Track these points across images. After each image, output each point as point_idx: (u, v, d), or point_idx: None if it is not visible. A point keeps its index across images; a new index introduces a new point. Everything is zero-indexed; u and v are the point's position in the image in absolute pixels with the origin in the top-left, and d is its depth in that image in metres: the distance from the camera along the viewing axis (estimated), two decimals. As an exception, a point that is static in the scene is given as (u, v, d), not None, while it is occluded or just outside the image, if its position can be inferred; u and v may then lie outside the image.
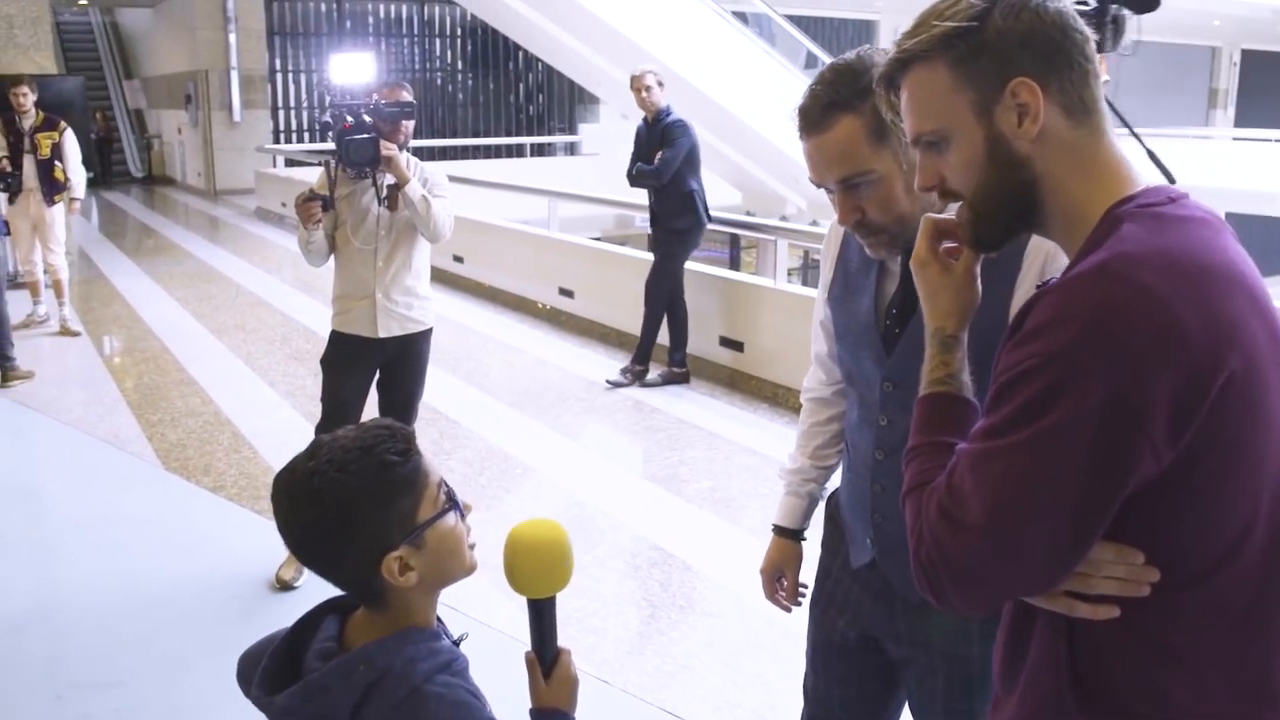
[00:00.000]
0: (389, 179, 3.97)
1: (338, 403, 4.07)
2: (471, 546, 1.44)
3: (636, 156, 6.65)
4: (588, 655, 3.50)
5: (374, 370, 4.16)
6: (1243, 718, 1.20)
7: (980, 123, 1.22)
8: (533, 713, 1.48)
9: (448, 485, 1.42)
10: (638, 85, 6.49)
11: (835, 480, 2.10)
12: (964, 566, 1.17)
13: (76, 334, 8.10)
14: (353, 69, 4.14)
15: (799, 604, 2.15)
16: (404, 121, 4.04)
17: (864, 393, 1.86)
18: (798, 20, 14.54)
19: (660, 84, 6.53)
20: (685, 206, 6.59)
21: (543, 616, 1.45)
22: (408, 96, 4.15)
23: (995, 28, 1.20)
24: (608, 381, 6.78)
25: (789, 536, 2.13)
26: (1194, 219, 1.17)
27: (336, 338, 4.12)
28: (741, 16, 12.97)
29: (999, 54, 1.20)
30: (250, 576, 4.00)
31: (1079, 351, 1.09)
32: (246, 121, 19.80)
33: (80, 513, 4.69)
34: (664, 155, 6.43)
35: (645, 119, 6.63)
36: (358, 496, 1.32)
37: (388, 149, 3.89)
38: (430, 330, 4.22)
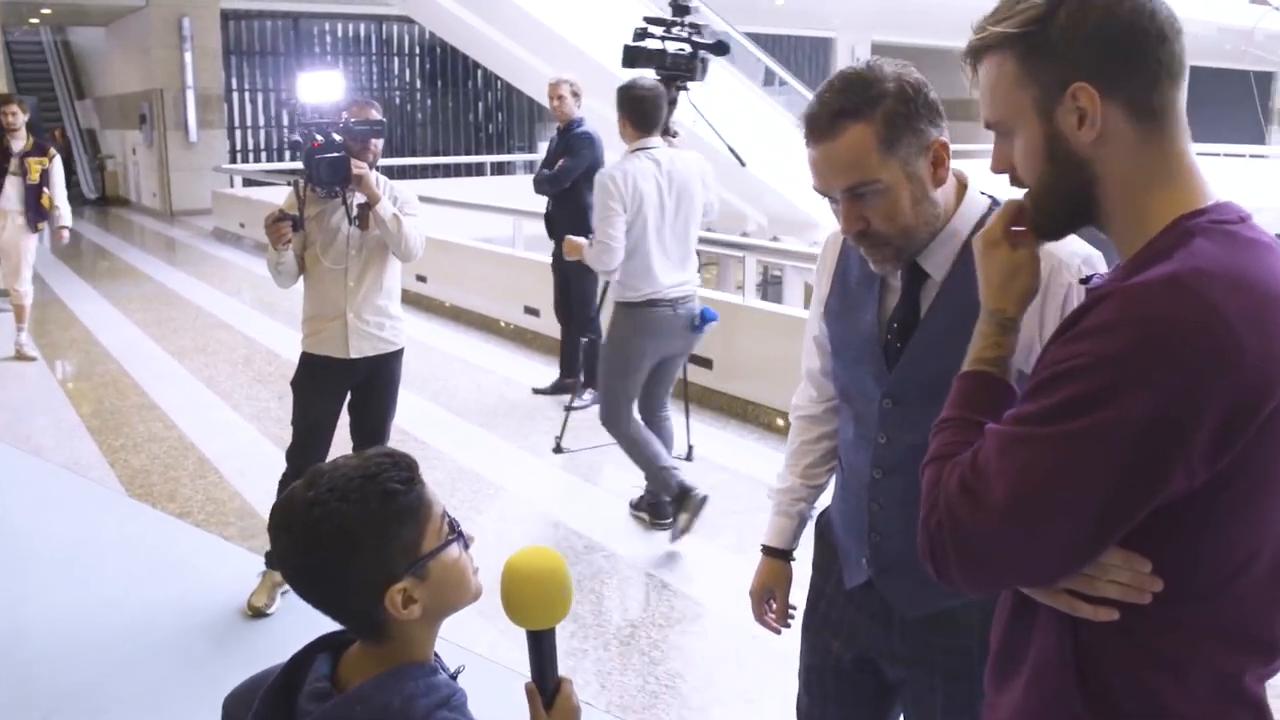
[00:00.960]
0: (359, 198, 3.93)
1: (309, 425, 4.02)
2: (476, 571, 1.40)
3: (544, 164, 6.61)
4: (570, 676, 3.45)
5: (346, 392, 4.10)
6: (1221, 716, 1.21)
7: (1041, 120, 1.21)
8: None
9: (450, 515, 1.38)
10: (553, 93, 6.43)
11: (824, 499, 2.07)
12: (975, 544, 1.17)
13: (32, 359, 7.94)
14: (321, 87, 4.09)
15: (788, 625, 2.11)
16: (374, 140, 4.01)
17: (860, 410, 1.84)
18: (754, 38, 14.59)
19: (575, 94, 6.45)
20: (579, 221, 6.35)
21: (542, 647, 1.42)
22: (377, 115, 4.11)
23: (1059, 28, 1.18)
24: (567, 407, 6.69)
25: (779, 557, 2.09)
26: (1262, 243, 1.16)
27: (307, 359, 4.05)
28: (699, 33, 12.98)
29: (1061, 55, 1.18)
30: (222, 605, 3.91)
31: (1135, 358, 1.08)
32: (203, 141, 19.61)
33: (43, 542, 4.58)
34: (564, 163, 6.35)
35: (558, 127, 6.59)
36: (359, 527, 1.28)
37: (358, 167, 3.85)
38: (402, 350, 4.18)
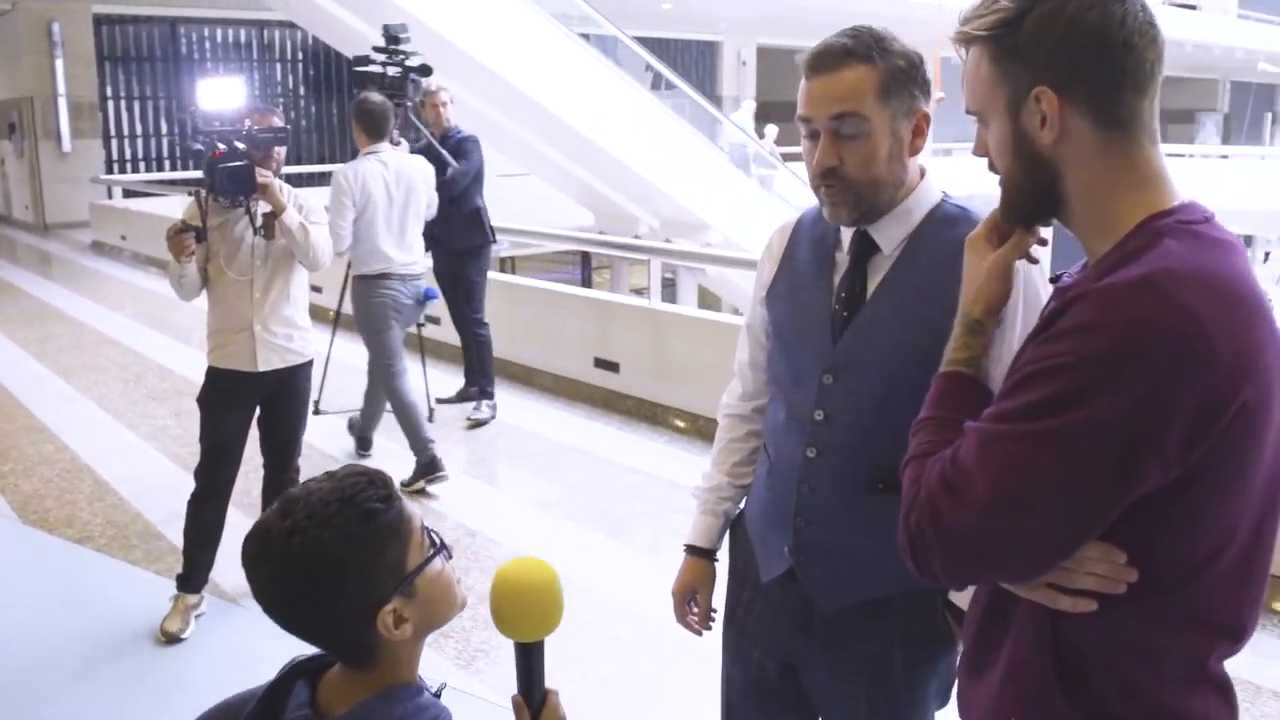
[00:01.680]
0: (263, 207, 3.83)
1: (218, 442, 3.90)
2: (458, 581, 1.37)
3: None
4: (501, 687, 3.42)
5: (254, 406, 4.00)
6: (1203, 708, 1.25)
7: (1009, 117, 1.25)
8: None
9: (428, 527, 1.35)
10: (432, 101, 6.39)
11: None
12: (957, 539, 1.19)
13: (-94, 381, 7.58)
14: (221, 94, 3.97)
15: (709, 627, 2.11)
16: (277, 147, 3.92)
17: (794, 394, 1.83)
18: (643, 41, 14.61)
19: (451, 101, 6.51)
20: (473, 224, 6.47)
21: (531, 659, 1.39)
22: (279, 121, 4.03)
23: (1026, 35, 1.21)
24: (469, 419, 6.54)
25: (703, 556, 2.08)
26: (1226, 241, 1.20)
27: (214, 374, 3.94)
28: (584, 37, 12.94)
29: (1028, 59, 1.22)
30: (133, 631, 3.76)
31: (1113, 359, 1.10)
32: (77, 151, 18.87)
33: (-69, 573, 4.35)
34: (459, 166, 6.28)
35: (432, 134, 6.46)
36: (344, 552, 1.24)
37: (263, 176, 3.76)
38: (311, 362, 4.10)
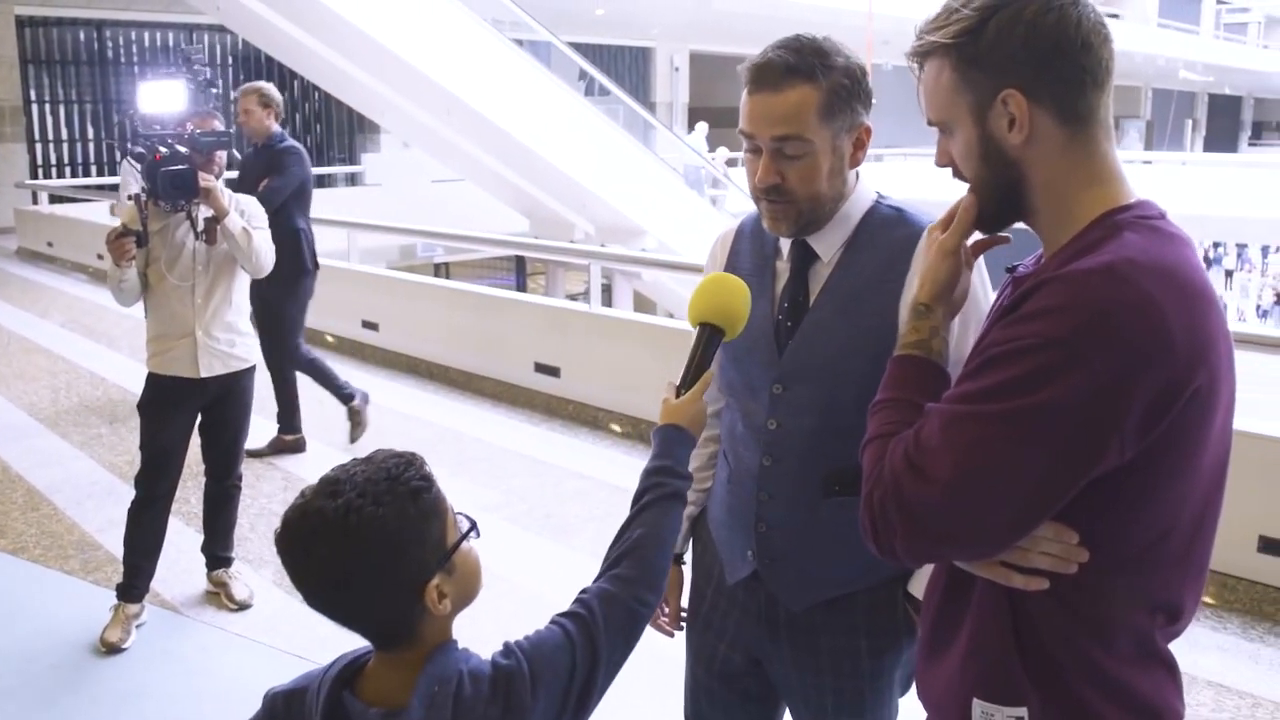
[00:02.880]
0: (205, 211, 3.79)
1: (159, 449, 3.84)
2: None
3: (239, 186, 5.73)
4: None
5: (196, 413, 3.95)
6: (1155, 686, 1.30)
7: (975, 123, 1.29)
8: (656, 431, 1.62)
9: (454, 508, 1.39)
10: (242, 107, 5.69)
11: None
12: (919, 517, 1.22)
13: None
14: (162, 97, 3.92)
15: (681, 628, 2.13)
16: (219, 151, 3.89)
17: (748, 403, 1.86)
18: (577, 47, 14.63)
19: (267, 106, 5.70)
20: (289, 247, 5.49)
21: (708, 349, 1.64)
22: (220, 125, 4.00)
23: (989, 41, 1.25)
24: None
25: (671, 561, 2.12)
26: (1179, 237, 1.25)
27: (155, 380, 3.88)
28: (518, 43, 12.93)
29: (992, 64, 1.26)
30: (72, 643, 3.70)
31: (1079, 341, 1.14)
32: (1, 155, 18.46)
33: None
34: (271, 183, 5.56)
35: (254, 144, 5.81)
36: (398, 528, 1.28)
37: (206, 180, 3.72)
38: (254, 368, 4.06)
